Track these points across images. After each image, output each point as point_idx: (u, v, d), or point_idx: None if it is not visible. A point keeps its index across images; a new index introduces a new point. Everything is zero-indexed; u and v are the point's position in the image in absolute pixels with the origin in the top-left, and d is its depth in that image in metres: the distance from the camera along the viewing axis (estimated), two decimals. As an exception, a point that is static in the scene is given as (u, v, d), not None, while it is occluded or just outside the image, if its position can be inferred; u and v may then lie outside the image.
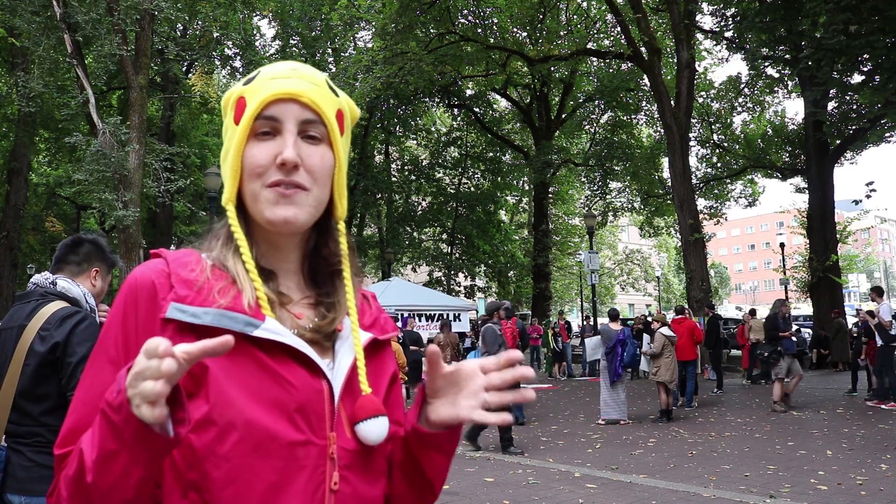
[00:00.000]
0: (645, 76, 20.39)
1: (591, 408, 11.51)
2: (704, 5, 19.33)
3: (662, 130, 20.27)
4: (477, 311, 32.51)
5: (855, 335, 14.14)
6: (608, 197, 28.45)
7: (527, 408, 10.80)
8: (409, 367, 10.39)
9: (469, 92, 28.68)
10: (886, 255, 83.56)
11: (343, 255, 1.00)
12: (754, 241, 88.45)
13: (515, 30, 24.30)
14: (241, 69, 22.34)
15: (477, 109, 28.98)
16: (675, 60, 19.27)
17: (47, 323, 2.24)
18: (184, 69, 21.98)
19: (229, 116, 0.95)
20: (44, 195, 25.18)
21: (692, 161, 21.26)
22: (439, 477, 0.99)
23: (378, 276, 28.37)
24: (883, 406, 10.87)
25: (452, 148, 30.79)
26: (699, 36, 20.83)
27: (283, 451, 0.85)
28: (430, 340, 12.61)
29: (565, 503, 5.70)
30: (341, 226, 1.02)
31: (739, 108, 24.24)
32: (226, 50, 22.43)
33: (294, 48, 24.17)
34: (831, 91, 16.60)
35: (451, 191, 30.48)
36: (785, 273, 26.54)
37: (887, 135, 19.08)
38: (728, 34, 18.62)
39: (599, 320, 18.50)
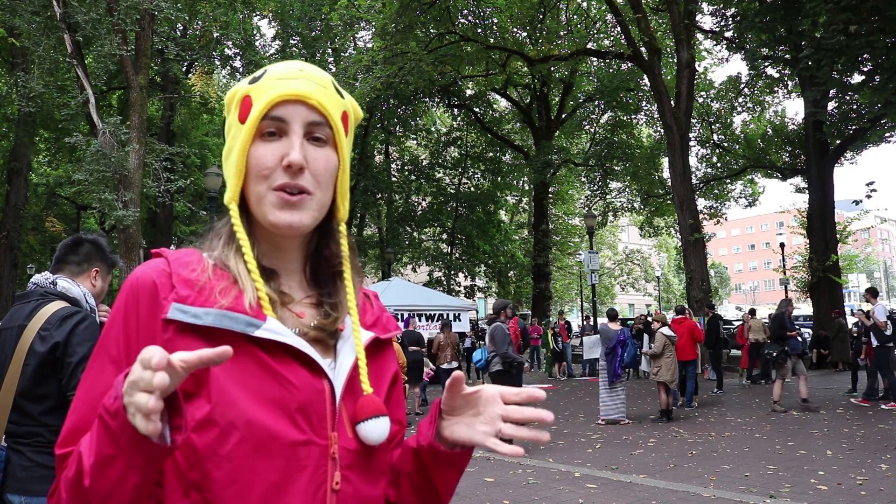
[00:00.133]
0: (645, 76, 20.38)
1: (591, 408, 11.50)
2: (704, 5, 19.33)
3: (662, 130, 20.26)
4: (477, 312, 32.54)
5: (855, 335, 14.13)
6: (608, 197, 28.42)
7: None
8: (408, 367, 10.37)
9: (469, 92, 28.65)
10: (886, 255, 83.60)
11: (344, 256, 1.00)
12: (754, 241, 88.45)
13: (515, 30, 24.29)
14: (241, 69, 22.31)
15: (477, 109, 28.96)
16: (675, 60, 19.26)
17: (47, 323, 2.24)
18: (184, 69, 21.95)
19: (233, 114, 0.95)
20: (44, 195, 25.17)
21: (692, 161, 21.28)
22: (449, 491, 0.99)
23: (378, 276, 28.36)
24: (882, 405, 10.88)
25: (452, 148, 30.78)
26: (699, 36, 20.82)
27: (284, 451, 0.85)
28: (431, 340, 12.62)
29: (565, 503, 5.70)
30: (343, 228, 1.02)
31: (739, 108, 24.23)
32: (226, 50, 22.41)
33: (294, 48, 24.12)
34: (831, 91, 16.59)
35: (451, 191, 30.46)
36: (785, 273, 26.53)
37: (887, 135, 19.05)
38: (728, 34, 18.62)
39: (599, 320, 18.48)
